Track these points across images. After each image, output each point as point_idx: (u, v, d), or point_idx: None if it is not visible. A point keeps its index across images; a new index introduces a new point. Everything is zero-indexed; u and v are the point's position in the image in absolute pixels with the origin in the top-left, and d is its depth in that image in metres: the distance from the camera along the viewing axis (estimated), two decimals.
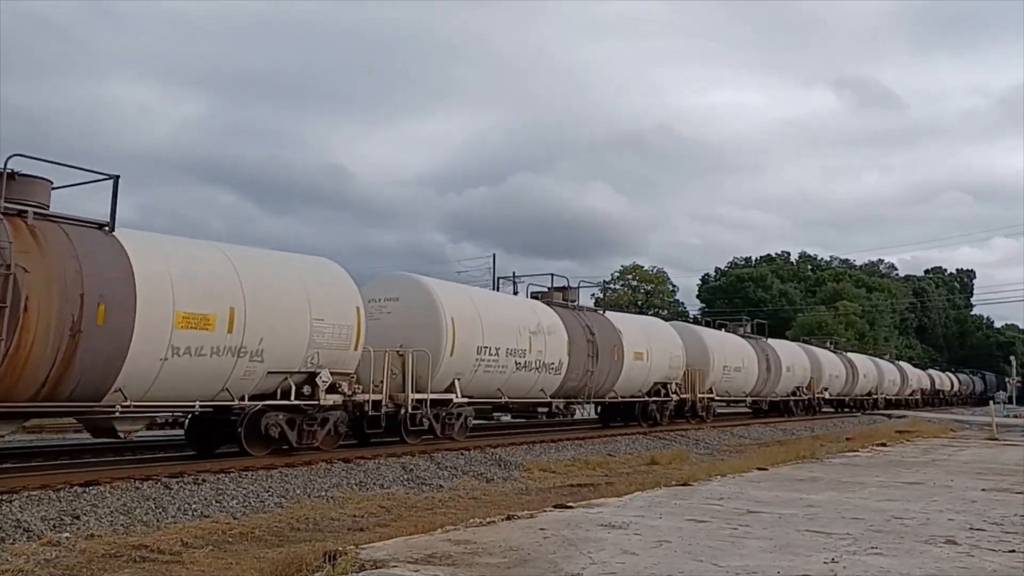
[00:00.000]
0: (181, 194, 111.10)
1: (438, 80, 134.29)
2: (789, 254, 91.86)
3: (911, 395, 54.99)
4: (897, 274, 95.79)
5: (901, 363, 56.20)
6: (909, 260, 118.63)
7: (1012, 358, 76.84)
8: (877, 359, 49.94)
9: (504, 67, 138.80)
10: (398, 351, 15.58)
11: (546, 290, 22.26)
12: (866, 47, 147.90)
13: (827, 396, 39.62)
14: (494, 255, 52.25)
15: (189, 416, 13.73)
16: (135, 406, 11.14)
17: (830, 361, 40.07)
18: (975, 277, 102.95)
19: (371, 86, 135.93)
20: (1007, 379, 79.58)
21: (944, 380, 65.07)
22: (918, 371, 59.76)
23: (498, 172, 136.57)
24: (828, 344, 45.72)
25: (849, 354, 45.91)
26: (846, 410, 43.10)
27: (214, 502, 10.07)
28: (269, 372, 12.74)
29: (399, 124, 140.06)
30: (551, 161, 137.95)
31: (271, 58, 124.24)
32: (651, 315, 46.28)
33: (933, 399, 60.58)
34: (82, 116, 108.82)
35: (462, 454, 14.93)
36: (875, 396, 46.61)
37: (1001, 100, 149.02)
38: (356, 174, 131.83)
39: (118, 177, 11.53)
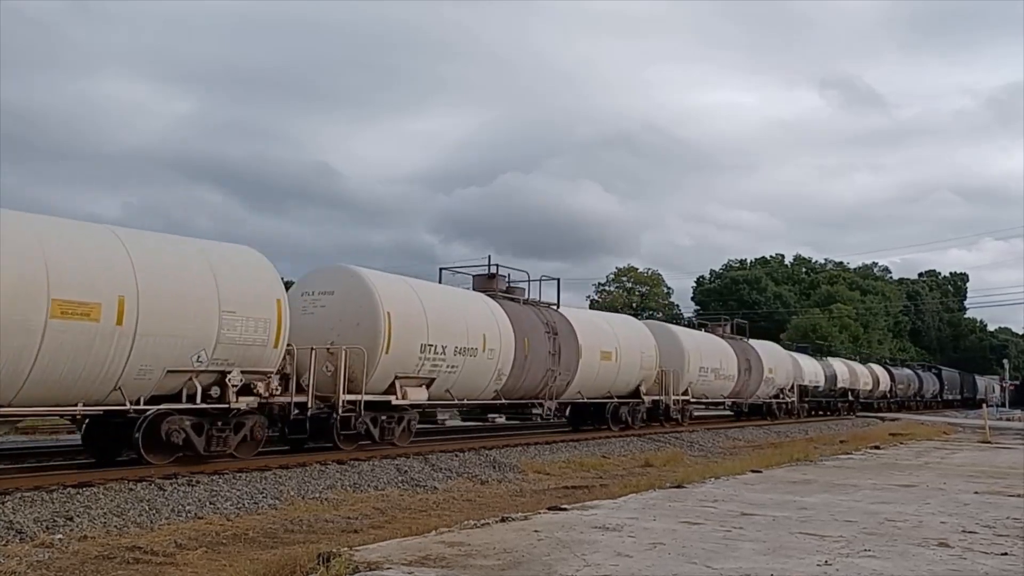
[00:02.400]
0: (169, 193, 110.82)
1: (429, 78, 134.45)
2: (784, 256, 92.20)
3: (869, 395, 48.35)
4: (891, 277, 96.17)
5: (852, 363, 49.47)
6: (900, 263, 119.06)
7: (1005, 361, 77.22)
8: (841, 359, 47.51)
9: (495, 65, 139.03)
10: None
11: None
12: (857, 47, 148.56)
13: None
14: (489, 256, 52.24)
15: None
16: None
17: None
18: (968, 280, 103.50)
19: (362, 84, 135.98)
20: (981, 378, 77.64)
21: (866, 376, 47.62)
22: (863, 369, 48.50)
23: (489, 171, 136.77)
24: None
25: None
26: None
27: (208, 503, 10.05)
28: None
29: (390, 122, 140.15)
30: (542, 160, 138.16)
31: (262, 56, 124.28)
32: (645, 317, 46.20)
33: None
34: (72, 113, 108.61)
35: (456, 456, 14.92)
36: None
37: (990, 100, 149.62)
38: (346, 173, 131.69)
39: None
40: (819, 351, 49.04)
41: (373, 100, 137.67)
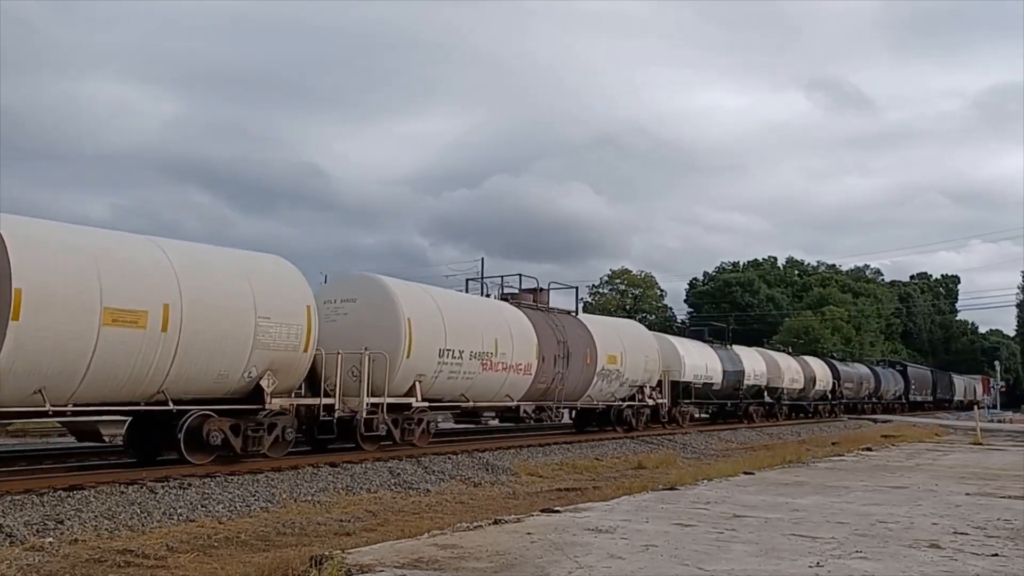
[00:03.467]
0: (157, 194, 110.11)
1: (419, 80, 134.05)
2: (776, 259, 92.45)
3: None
4: (883, 279, 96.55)
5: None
6: (890, 265, 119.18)
7: (996, 363, 77.46)
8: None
9: (484, 67, 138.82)
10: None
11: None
12: (846, 50, 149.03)
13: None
14: (482, 259, 52.24)
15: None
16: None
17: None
18: (960, 283, 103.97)
19: (350, 85, 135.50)
20: (961, 377, 72.19)
21: (794, 372, 37.94)
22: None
23: (478, 173, 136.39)
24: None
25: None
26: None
27: (200, 506, 10.01)
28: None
29: (378, 124, 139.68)
30: (531, 162, 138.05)
31: (251, 57, 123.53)
32: (638, 319, 46.23)
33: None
34: (58, 114, 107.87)
35: (449, 458, 14.91)
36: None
37: (978, 103, 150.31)
38: (335, 174, 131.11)
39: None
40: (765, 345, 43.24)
41: (362, 102, 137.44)
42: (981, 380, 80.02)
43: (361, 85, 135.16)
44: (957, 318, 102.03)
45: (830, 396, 41.77)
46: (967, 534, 7.57)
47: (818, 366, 41.17)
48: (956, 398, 68.66)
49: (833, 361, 45.12)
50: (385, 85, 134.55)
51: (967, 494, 10.74)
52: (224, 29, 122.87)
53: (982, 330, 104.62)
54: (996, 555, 6.61)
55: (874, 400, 49.27)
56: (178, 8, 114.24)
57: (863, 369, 49.03)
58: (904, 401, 55.16)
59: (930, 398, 61.69)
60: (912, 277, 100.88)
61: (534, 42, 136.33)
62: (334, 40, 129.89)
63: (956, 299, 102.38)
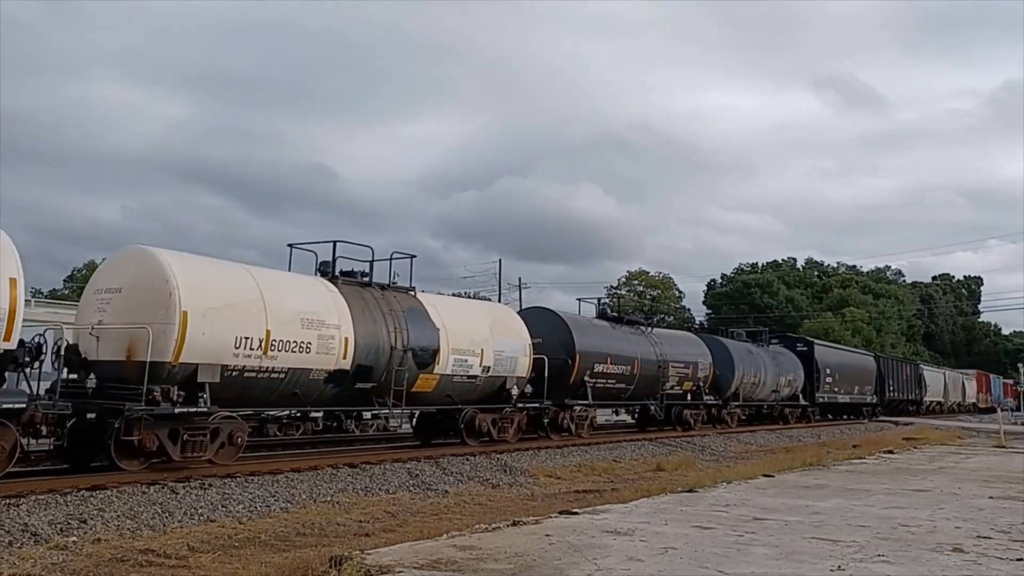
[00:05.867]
0: (168, 196, 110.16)
1: (426, 81, 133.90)
2: (796, 260, 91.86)
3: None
4: (904, 280, 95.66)
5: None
6: (907, 265, 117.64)
7: (1020, 365, 76.39)
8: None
9: (493, 68, 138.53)
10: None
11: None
12: (856, 48, 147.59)
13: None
14: (500, 260, 52.18)
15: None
16: None
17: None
18: (983, 284, 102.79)
19: (359, 87, 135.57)
20: (935, 371, 54.85)
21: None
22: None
23: (487, 174, 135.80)
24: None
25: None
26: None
27: (220, 507, 10.09)
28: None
29: (387, 125, 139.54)
30: (540, 163, 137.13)
31: (258, 59, 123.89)
32: (656, 321, 45.94)
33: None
34: (67, 117, 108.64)
35: (467, 460, 14.93)
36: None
37: (992, 101, 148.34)
38: (345, 176, 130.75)
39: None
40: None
41: (369, 103, 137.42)
42: (976, 376, 66.74)
43: (368, 86, 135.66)
44: (980, 320, 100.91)
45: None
46: (991, 538, 7.48)
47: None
48: (928, 398, 49.83)
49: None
50: (392, 86, 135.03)
51: (991, 497, 10.62)
52: (232, 31, 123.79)
53: (1005, 331, 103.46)
54: (1021, 559, 6.53)
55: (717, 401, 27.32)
56: (186, 10, 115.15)
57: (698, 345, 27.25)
58: (805, 403, 33.49)
59: (874, 399, 40.73)
60: (934, 278, 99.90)
61: (540, 43, 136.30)
62: (341, 42, 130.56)
63: (979, 300, 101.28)
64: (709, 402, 26.58)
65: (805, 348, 34.70)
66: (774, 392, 31.14)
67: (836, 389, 36.48)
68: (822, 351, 36.24)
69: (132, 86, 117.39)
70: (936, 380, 53.24)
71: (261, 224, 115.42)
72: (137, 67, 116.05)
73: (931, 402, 51.35)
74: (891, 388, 43.51)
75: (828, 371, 35.61)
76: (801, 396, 33.41)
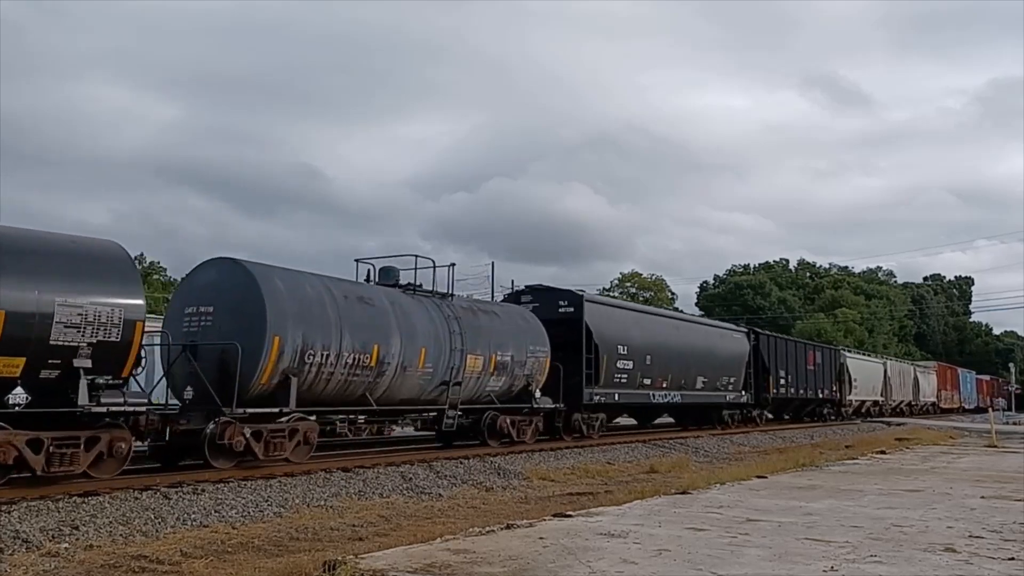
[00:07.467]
0: (156, 199, 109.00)
1: (418, 82, 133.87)
2: (788, 261, 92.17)
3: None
4: (895, 281, 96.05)
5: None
6: (896, 266, 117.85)
7: (1011, 364, 76.85)
8: None
9: (484, 69, 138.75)
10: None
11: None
12: (846, 48, 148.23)
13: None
14: (492, 263, 52.18)
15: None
16: None
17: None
18: (973, 284, 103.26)
19: (349, 88, 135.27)
20: (860, 359, 40.96)
21: None
22: None
23: (477, 175, 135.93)
24: None
25: None
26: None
27: (213, 512, 10.05)
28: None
29: (378, 127, 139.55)
30: (531, 164, 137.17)
31: (248, 61, 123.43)
32: None
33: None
34: (54, 119, 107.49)
35: (461, 463, 14.91)
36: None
37: (982, 100, 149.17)
38: (335, 177, 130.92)
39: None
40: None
41: (360, 104, 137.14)
42: (936, 369, 55.27)
43: (359, 88, 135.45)
44: (971, 320, 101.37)
45: None
46: (983, 538, 7.52)
47: None
48: (854, 397, 37.86)
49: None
50: (383, 88, 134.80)
51: (982, 497, 10.67)
52: (222, 32, 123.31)
53: (996, 331, 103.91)
54: (1013, 559, 6.56)
55: None
56: (176, 11, 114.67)
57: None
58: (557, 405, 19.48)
59: (731, 395, 27.11)
60: (925, 279, 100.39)
61: (533, 44, 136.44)
62: (332, 43, 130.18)
63: (970, 300, 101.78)
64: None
65: (571, 309, 20.18)
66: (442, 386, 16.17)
67: (644, 381, 21.83)
68: (603, 315, 20.74)
69: (121, 87, 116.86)
70: (868, 373, 40.23)
71: (253, 226, 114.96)
72: (126, 68, 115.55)
73: (857, 402, 38.82)
74: (781, 381, 30.53)
75: (622, 350, 20.93)
76: (541, 395, 18.81)
